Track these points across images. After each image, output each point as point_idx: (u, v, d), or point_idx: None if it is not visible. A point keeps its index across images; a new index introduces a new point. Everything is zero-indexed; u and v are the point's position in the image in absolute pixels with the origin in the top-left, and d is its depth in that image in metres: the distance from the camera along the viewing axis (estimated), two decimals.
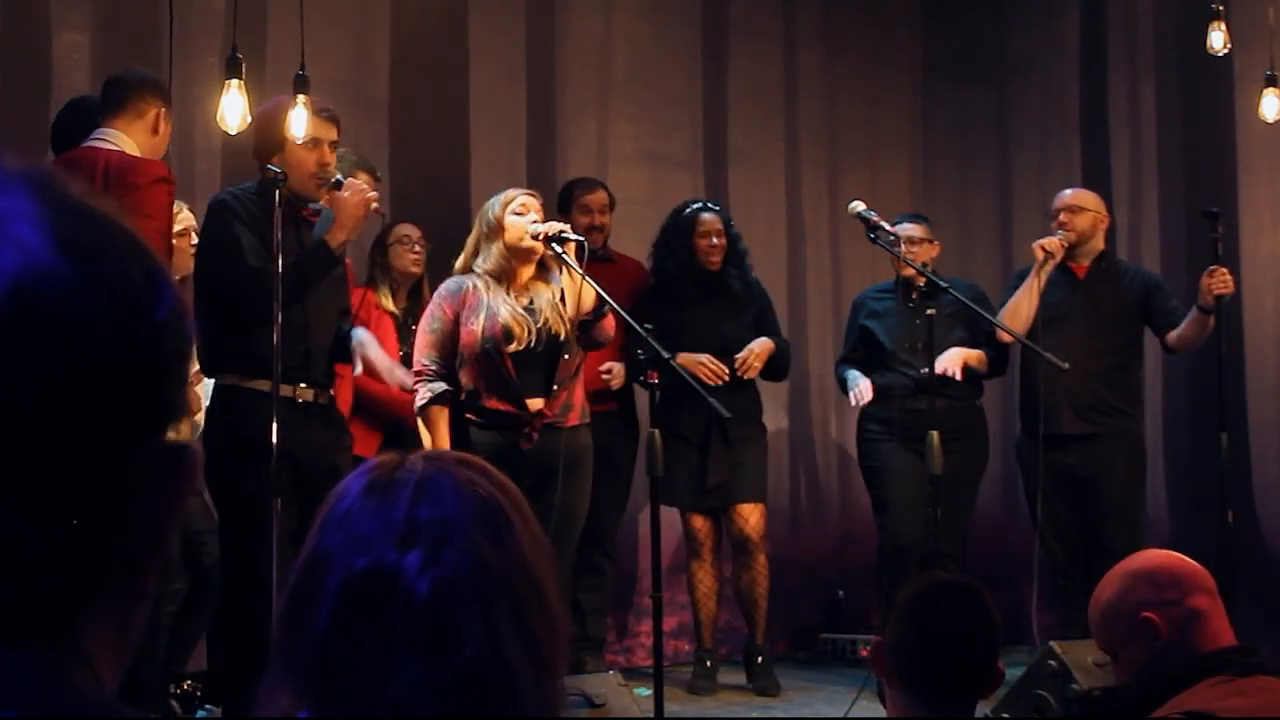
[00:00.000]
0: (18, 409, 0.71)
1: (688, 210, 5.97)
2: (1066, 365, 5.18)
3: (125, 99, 4.14)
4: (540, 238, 4.59)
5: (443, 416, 4.56)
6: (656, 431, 4.32)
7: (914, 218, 6.06)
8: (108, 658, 0.77)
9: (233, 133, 4.09)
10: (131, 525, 0.76)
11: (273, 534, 3.88)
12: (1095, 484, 5.63)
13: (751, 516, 5.87)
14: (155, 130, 4.15)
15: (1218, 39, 5.50)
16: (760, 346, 5.79)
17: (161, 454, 0.77)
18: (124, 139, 4.08)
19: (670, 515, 5.99)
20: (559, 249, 4.59)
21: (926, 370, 5.34)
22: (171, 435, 0.79)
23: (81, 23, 5.46)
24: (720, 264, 5.90)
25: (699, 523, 5.93)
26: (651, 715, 4.23)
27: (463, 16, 6.50)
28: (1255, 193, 6.74)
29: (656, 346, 4.39)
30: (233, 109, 3.98)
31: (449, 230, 5.58)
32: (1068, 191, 5.94)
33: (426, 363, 4.57)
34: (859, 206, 5.14)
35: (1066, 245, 5.68)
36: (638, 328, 4.44)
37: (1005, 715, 4.62)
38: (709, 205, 6.02)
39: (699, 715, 5.52)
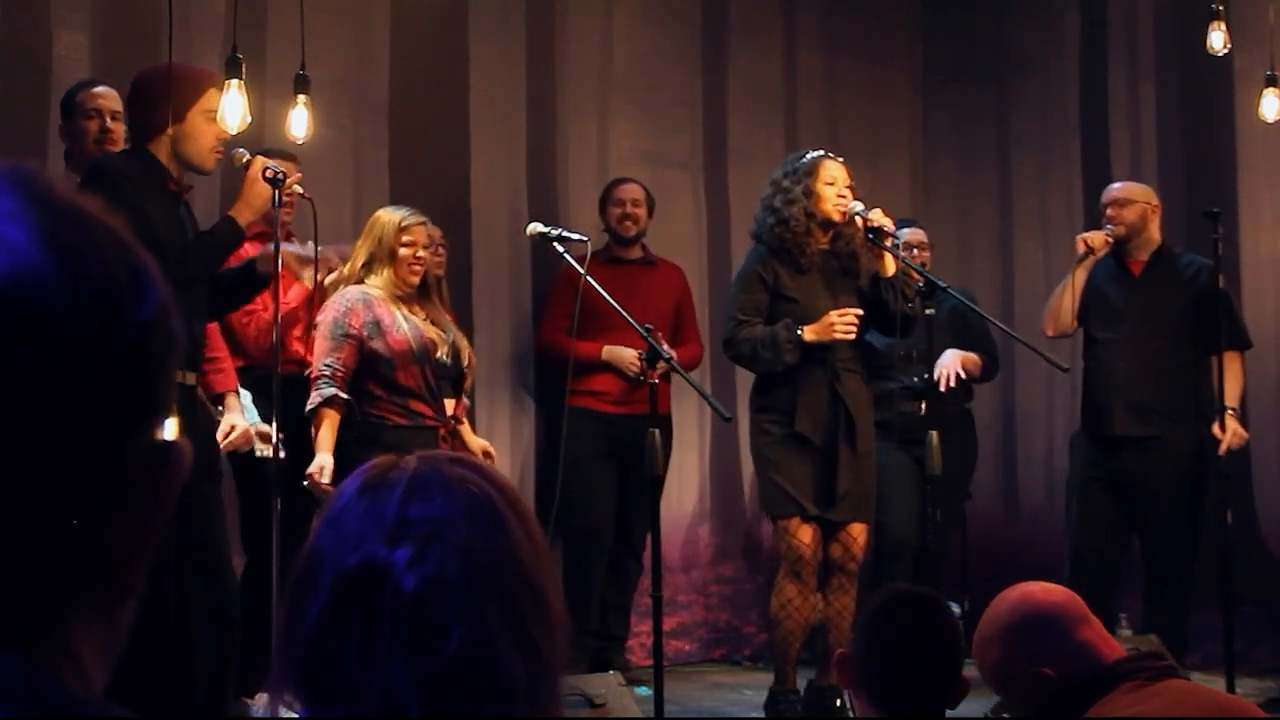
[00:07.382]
0: (3, 406, 0.71)
1: (808, 156, 5.14)
2: (1067, 367, 5.16)
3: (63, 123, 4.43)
4: (540, 237, 4.69)
5: (331, 420, 4.56)
6: (656, 431, 4.31)
7: (910, 222, 6.01)
8: (95, 656, 0.77)
9: (232, 133, 4.07)
10: (118, 523, 0.76)
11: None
12: (1143, 494, 5.42)
13: (861, 537, 5.15)
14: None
15: (1218, 39, 5.48)
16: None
17: (148, 451, 0.77)
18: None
19: (673, 518, 5.97)
20: (561, 249, 4.65)
21: (920, 378, 5.26)
22: (159, 433, 0.79)
23: (81, 23, 5.45)
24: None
25: (808, 536, 5.02)
26: (651, 715, 4.22)
27: (463, 17, 6.50)
28: (1255, 193, 6.73)
29: (657, 346, 4.39)
30: (233, 109, 3.98)
31: (449, 231, 5.60)
32: (1115, 185, 5.82)
33: (325, 366, 4.60)
34: (858, 207, 5.12)
35: (1113, 240, 5.54)
36: (637, 327, 4.43)
37: (1005, 715, 4.62)
38: (830, 154, 5.17)
39: (699, 715, 5.51)
